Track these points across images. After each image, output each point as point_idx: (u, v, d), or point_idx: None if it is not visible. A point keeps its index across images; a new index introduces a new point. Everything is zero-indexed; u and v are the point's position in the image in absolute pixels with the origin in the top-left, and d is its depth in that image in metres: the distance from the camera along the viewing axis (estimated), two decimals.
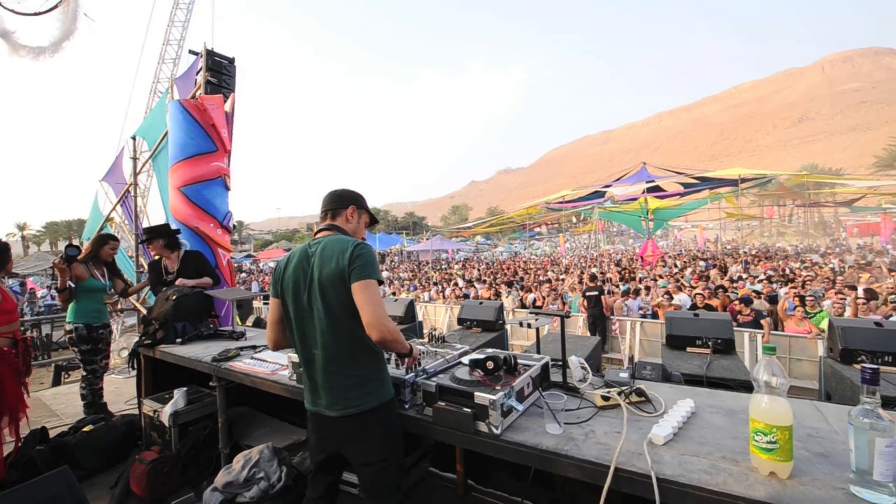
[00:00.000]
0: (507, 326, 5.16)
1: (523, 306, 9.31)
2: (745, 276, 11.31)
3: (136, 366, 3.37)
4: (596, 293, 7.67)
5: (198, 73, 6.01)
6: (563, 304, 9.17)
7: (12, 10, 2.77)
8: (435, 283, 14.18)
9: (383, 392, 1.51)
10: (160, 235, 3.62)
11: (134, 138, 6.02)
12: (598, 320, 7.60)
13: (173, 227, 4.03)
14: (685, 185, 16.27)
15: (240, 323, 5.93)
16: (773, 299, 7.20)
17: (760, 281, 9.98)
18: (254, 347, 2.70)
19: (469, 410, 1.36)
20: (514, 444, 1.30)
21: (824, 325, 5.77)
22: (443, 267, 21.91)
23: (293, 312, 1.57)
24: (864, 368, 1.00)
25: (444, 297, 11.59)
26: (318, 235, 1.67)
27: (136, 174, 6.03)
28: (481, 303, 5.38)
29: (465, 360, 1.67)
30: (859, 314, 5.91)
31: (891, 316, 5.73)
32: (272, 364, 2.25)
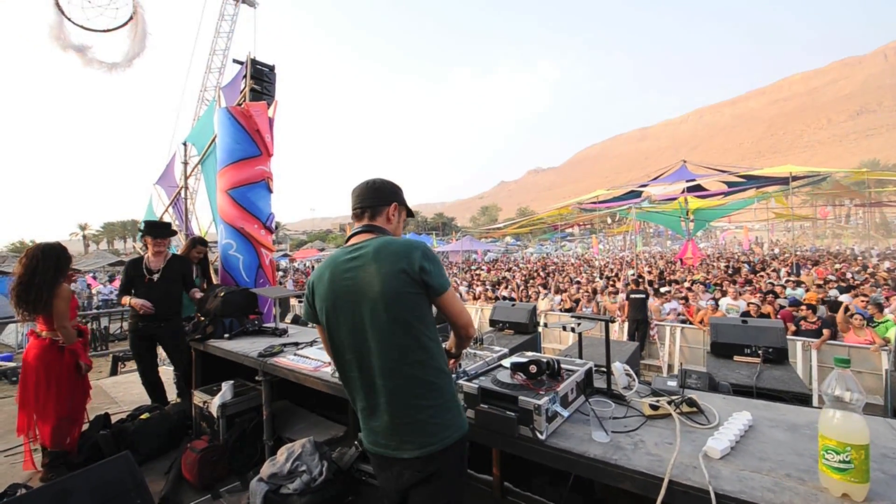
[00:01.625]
0: (540, 329, 5.08)
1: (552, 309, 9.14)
2: (786, 279, 10.60)
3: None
4: (642, 296, 7.41)
5: (242, 80, 6.31)
6: (597, 306, 8.94)
7: (82, 27, 2.99)
8: (467, 285, 14.16)
9: (462, 420, 1.33)
10: (172, 234, 3.72)
11: (185, 144, 6.39)
12: (641, 325, 7.34)
13: (220, 227, 4.25)
14: (729, 184, 15.40)
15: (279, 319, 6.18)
16: (834, 306, 6.70)
17: (805, 285, 9.31)
18: (296, 344, 2.79)
19: (513, 414, 1.34)
20: (559, 451, 1.28)
21: (890, 334, 5.32)
22: (471, 268, 21.87)
23: (342, 338, 1.33)
24: None
25: (474, 297, 11.57)
26: (355, 240, 1.38)
27: (186, 177, 6.39)
28: (514, 304, 5.33)
29: (506, 363, 1.66)
30: None
31: None
32: (315, 361, 2.32)
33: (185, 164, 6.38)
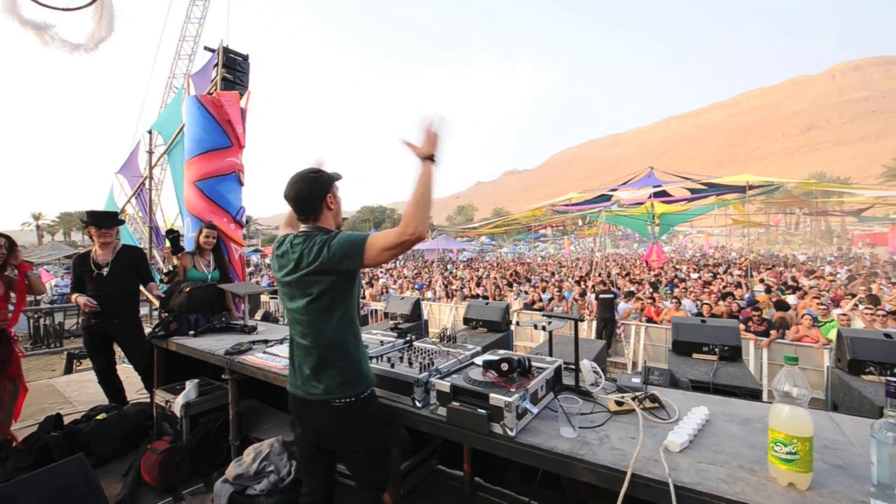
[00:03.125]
0: (512, 327, 5.15)
1: (526, 307, 9.29)
2: (744, 282, 11.21)
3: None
4: (610, 297, 7.63)
5: (214, 69, 6.05)
6: (566, 302, 9.16)
7: (38, 2, 2.78)
8: (444, 284, 14.17)
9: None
10: (119, 223, 3.39)
11: (150, 132, 6.07)
12: (608, 324, 7.57)
13: (187, 220, 4.07)
14: (692, 191, 16.11)
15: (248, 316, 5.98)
16: (780, 305, 7.12)
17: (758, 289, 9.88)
18: (265, 342, 2.70)
19: (484, 412, 1.35)
20: (528, 447, 1.30)
21: (831, 335, 5.70)
22: (447, 268, 21.92)
23: None
24: (888, 382, 0.98)
25: (448, 295, 11.59)
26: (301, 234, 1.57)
27: (151, 167, 6.08)
28: (487, 303, 5.38)
29: (479, 360, 1.66)
30: (874, 326, 5.83)
31: None
32: (284, 359, 2.25)
33: (151, 153, 6.07)
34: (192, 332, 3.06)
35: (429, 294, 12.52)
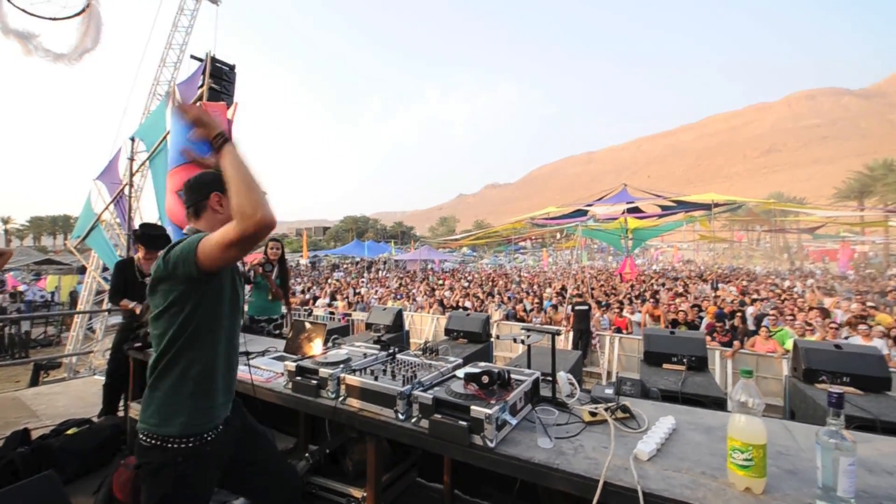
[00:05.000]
0: (492, 339, 5.19)
1: (507, 318, 9.37)
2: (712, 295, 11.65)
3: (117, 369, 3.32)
4: (585, 308, 7.77)
5: (201, 79, 5.99)
6: (543, 313, 9.29)
7: (23, 10, 2.73)
8: (428, 294, 14.15)
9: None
10: (168, 243, 3.55)
11: (132, 139, 5.92)
12: (584, 335, 7.70)
13: (168, 229, 3.98)
14: (662, 207, 16.70)
15: None
16: (741, 319, 7.41)
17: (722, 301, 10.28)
18: (247, 354, 2.65)
19: (465, 423, 1.38)
20: (507, 458, 1.33)
21: (789, 345, 5.98)
22: (429, 278, 21.91)
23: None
24: (830, 393, 1.06)
25: (430, 306, 11.57)
26: None
27: (132, 175, 5.92)
28: (468, 314, 5.42)
29: (460, 373, 1.69)
30: (826, 337, 6.14)
31: (850, 338, 5.96)
32: (266, 371, 2.22)
33: (132, 160, 5.91)
34: None
35: (411, 304, 12.47)
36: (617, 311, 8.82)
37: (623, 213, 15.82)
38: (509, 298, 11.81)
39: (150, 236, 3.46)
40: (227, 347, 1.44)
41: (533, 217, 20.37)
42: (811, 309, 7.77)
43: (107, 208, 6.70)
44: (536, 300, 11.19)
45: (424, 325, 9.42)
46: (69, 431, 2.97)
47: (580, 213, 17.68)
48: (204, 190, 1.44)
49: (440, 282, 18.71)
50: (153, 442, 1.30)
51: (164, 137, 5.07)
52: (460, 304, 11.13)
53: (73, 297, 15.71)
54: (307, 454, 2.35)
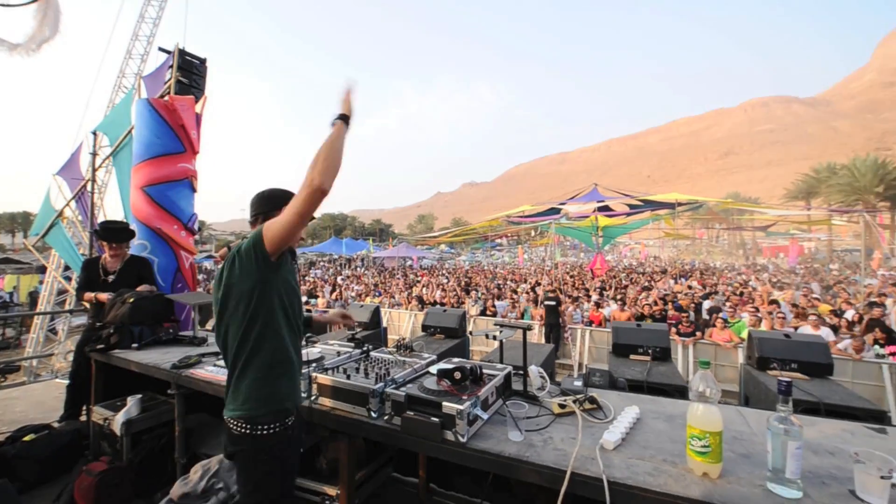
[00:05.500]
0: (468, 334, 5.21)
1: (483, 313, 9.44)
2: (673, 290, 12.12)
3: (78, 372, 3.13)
4: (554, 303, 7.91)
5: (168, 72, 5.68)
6: (518, 307, 9.40)
7: None
8: (407, 288, 14.05)
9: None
10: (129, 238, 3.40)
11: (94, 133, 5.56)
12: (555, 328, 7.83)
13: (133, 226, 3.77)
14: (630, 206, 17.21)
15: (199, 327, 5.57)
16: (697, 309, 7.73)
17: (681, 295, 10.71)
18: (216, 354, 2.54)
19: (437, 420, 1.36)
20: (479, 452, 1.32)
21: (744, 334, 6.28)
22: (407, 275, 21.80)
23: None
24: (780, 381, 1.11)
25: (408, 302, 11.50)
26: None
27: (94, 170, 5.56)
28: (445, 310, 5.41)
29: (433, 369, 1.67)
30: (774, 326, 6.48)
31: (799, 328, 6.32)
32: None
33: (94, 155, 5.55)
34: (135, 345, 2.82)
35: (388, 301, 12.35)
36: (593, 305, 9.04)
37: (594, 211, 16.21)
38: (486, 291, 11.89)
39: (111, 230, 3.30)
40: (295, 332, 1.51)
41: (509, 215, 20.58)
42: (770, 302, 8.20)
43: (67, 205, 6.28)
44: (513, 294, 11.31)
45: (403, 322, 9.35)
46: (26, 438, 2.78)
47: (553, 211, 17.99)
48: (276, 203, 1.48)
49: (418, 278, 18.65)
50: (245, 430, 1.35)
51: (129, 132, 4.79)
52: (438, 300, 11.12)
53: (33, 297, 14.76)
54: None
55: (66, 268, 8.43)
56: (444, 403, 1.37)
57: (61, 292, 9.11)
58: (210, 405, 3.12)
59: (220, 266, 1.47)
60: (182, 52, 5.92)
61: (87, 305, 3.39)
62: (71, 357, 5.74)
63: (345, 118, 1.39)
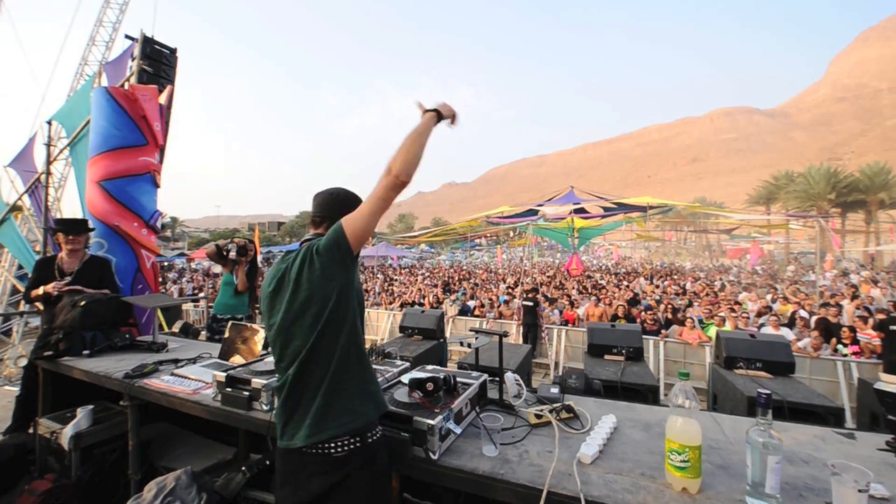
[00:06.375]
0: (447, 337, 5.12)
1: (462, 312, 9.38)
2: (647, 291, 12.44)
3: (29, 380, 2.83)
4: (532, 304, 7.93)
5: (133, 59, 5.33)
6: (496, 309, 9.40)
7: None
8: (386, 291, 13.84)
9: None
10: (88, 230, 3.12)
11: (49, 123, 5.15)
12: (532, 329, 7.85)
13: (90, 222, 3.49)
14: (605, 209, 17.57)
15: (166, 329, 5.24)
16: (674, 311, 7.92)
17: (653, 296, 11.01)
18: (175, 361, 2.36)
19: (407, 435, 1.26)
20: (451, 469, 1.23)
21: (711, 333, 6.46)
22: (387, 274, 21.55)
23: None
24: (759, 393, 1.07)
25: (388, 304, 11.32)
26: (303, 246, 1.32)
27: (48, 162, 5.15)
28: (423, 311, 5.30)
29: (405, 378, 1.57)
30: (738, 326, 6.69)
31: (762, 326, 6.56)
32: (195, 381, 1.97)
33: (49, 146, 5.14)
34: (86, 352, 2.58)
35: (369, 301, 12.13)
36: (568, 305, 9.12)
37: (570, 213, 16.45)
38: (462, 294, 11.85)
39: (67, 222, 3.05)
40: (363, 329, 1.36)
41: (488, 216, 20.64)
42: (735, 303, 8.49)
43: (20, 198, 5.81)
44: (491, 296, 11.31)
45: (381, 322, 9.18)
46: None
47: (531, 212, 18.15)
48: (343, 209, 1.31)
49: (398, 277, 18.45)
50: (355, 443, 1.17)
51: (88, 122, 4.45)
52: (416, 299, 11.00)
53: None
54: (244, 467, 2.12)
55: (21, 266, 7.83)
56: (415, 418, 1.27)
57: (15, 292, 8.47)
58: (172, 413, 2.92)
59: (278, 270, 1.29)
60: (149, 41, 5.57)
61: (40, 307, 3.10)
62: (22, 363, 5.32)
63: (438, 114, 1.34)
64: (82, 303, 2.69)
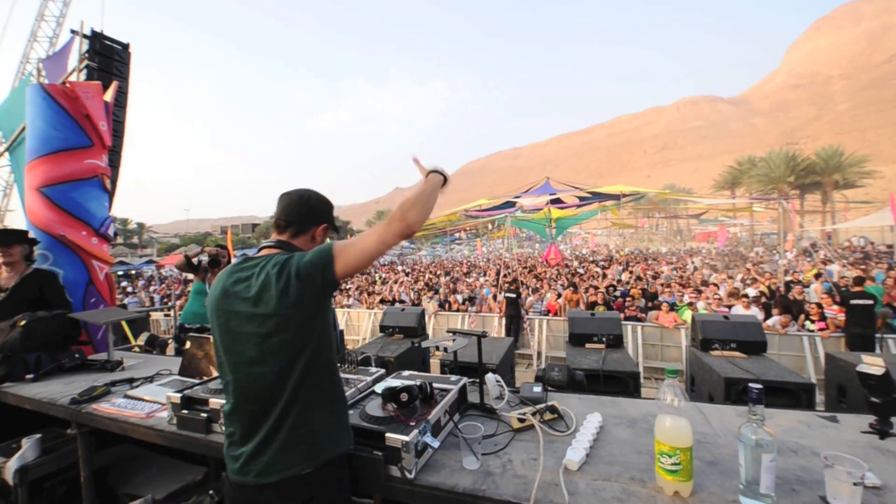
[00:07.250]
0: (429, 330, 5.02)
1: (441, 306, 9.30)
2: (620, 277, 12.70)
3: None
4: (514, 296, 7.92)
5: (80, 55, 4.91)
6: (478, 302, 9.36)
7: None
8: (367, 288, 13.58)
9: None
10: (24, 241, 2.80)
11: None
12: (514, 321, 7.85)
13: (32, 234, 3.17)
14: (580, 198, 17.80)
15: (133, 341, 4.91)
16: (648, 295, 8.08)
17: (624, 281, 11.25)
18: (130, 381, 2.15)
19: (380, 454, 1.14)
20: (428, 488, 1.13)
21: (686, 316, 6.62)
22: (370, 272, 21.23)
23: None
24: (750, 388, 1.01)
25: (370, 305, 11.10)
26: (262, 252, 1.21)
27: None
28: (403, 309, 5.18)
29: (379, 388, 1.45)
30: (712, 308, 6.87)
31: (732, 307, 6.75)
32: (150, 403, 1.79)
33: None
34: (30, 376, 2.34)
35: (350, 301, 11.86)
36: (551, 294, 9.18)
37: (546, 204, 16.57)
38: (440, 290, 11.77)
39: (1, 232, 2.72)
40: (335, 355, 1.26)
41: (466, 209, 20.57)
42: (706, 284, 8.73)
43: None
44: (474, 287, 11.28)
45: (362, 322, 8.99)
46: None
47: (509, 204, 18.18)
48: (319, 218, 1.29)
49: (379, 274, 18.19)
50: (323, 458, 1.09)
51: (25, 126, 4.07)
52: (396, 297, 10.84)
53: None
54: (211, 490, 1.96)
55: None
56: (388, 434, 1.16)
57: None
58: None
59: (235, 279, 1.14)
60: (98, 35, 5.15)
61: None
62: None
63: (444, 176, 1.34)
64: (22, 322, 2.43)
